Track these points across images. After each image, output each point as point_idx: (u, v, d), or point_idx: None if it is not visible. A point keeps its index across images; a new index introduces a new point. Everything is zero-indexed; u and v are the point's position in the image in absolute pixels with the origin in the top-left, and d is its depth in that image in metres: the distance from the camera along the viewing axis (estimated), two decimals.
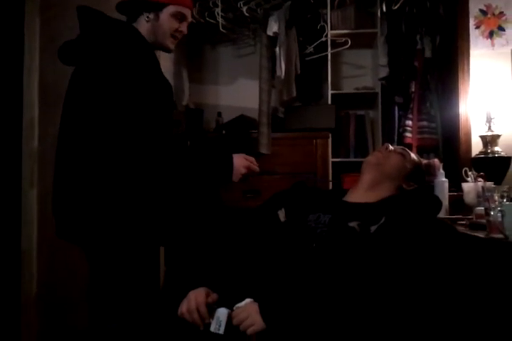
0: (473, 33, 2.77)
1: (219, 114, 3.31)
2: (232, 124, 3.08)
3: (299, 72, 3.14)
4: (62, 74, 1.98)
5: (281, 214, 1.63)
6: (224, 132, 3.01)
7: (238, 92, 3.49)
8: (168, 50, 1.82)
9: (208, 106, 3.46)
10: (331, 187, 2.67)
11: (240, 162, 1.72)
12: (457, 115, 2.80)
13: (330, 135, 2.75)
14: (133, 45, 1.64)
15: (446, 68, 2.99)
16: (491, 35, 2.75)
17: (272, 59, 3.06)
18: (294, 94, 3.13)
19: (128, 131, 1.56)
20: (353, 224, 1.47)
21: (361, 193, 1.63)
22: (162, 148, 1.59)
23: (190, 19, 1.82)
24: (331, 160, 2.76)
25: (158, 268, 1.81)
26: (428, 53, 3.05)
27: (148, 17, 1.73)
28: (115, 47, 1.62)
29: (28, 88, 2.62)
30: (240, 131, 2.97)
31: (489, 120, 2.54)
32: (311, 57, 3.16)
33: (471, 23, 2.78)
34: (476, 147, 2.65)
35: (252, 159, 1.78)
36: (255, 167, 1.77)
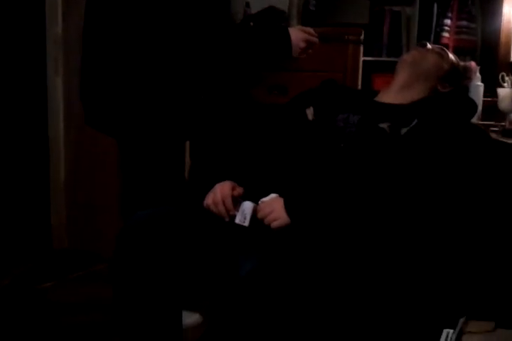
0: None
1: (247, 5, 3.15)
2: (261, 16, 2.94)
3: None
4: None
5: (310, 113, 1.60)
6: (252, 24, 2.89)
7: None
8: None
9: None
10: (360, 87, 2.60)
11: (298, 35, 1.62)
12: (499, 16, 2.64)
13: (363, 32, 2.63)
14: None
15: None
16: None
17: None
18: None
19: (162, 15, 1.49)
20: (383, 125, 1.45)
21: (394, 94, 1.59)
22: (203, 30, 1.52)
23: None
24: (362, 58, 2.66)
25: (183, 161, 1.83)
26: None
27: None
28: None
29: None
30: (269, 23, 2.85)
31: None
32: None
33: None
34: None
35: (311, 30, 1.67)
36: (314, 39, 1.67)
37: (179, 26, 1.51)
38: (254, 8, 3.06)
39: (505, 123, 1.84)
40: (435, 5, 2.94)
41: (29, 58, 2.73)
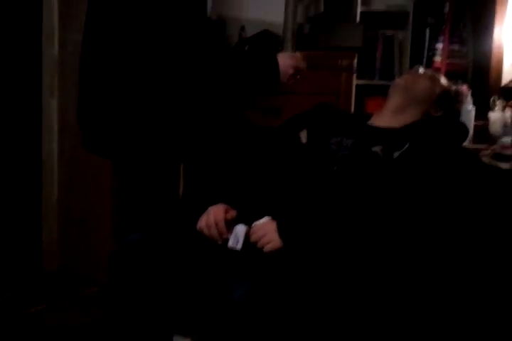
0: None
1: (242, 28, 3.19)
2: (256, 39, 2.98)
3: None
4: None
5: (303, 136, 1.62)
6: (246, 47, 2.93)
7: (263, 5, 3.34)
8: None
9: (230, 19, 3.32)
10: (353, 111, 2.63)
11: (286, 62, 1.63)
12: (490, 40, 2.67)
13: (356, 55, 2.66)
14: None
15: None
16: None
17: None
18: (322, 9, 3.00)
19: (158, 39, 1.50)
20: (376, 148, 1.46)
21: (386, 118, 1.60)
22: (196, 55, 1.53)
23: None
24: (355, 82, 2.69)
25: (178, 183, 1.83)
26: None
27: None
28: None
29: None
30: (264, 46, 2.88)
31: None
32: None
33: None
34: (507, 76, 2.56)
35: (299, 56, 1.69)
36: (302, 65, 1.68)
37: (174, 51, 1.52)
38: (250, 32, 3.10)
39: (496, 147, 1.85)
40: (427, 29, 2.97)
41: (25, 79, 2.74)
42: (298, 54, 1.69)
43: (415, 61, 2.93)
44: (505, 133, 1.90)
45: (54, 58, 2.55)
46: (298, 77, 1.69)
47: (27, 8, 2.63)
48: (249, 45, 2.91)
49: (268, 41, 2.89)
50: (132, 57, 1.55)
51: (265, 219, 1.35)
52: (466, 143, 1.87)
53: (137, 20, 1.52)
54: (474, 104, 2.10)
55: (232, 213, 1.40)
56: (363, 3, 3.04)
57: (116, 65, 1.56)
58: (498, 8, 2.64)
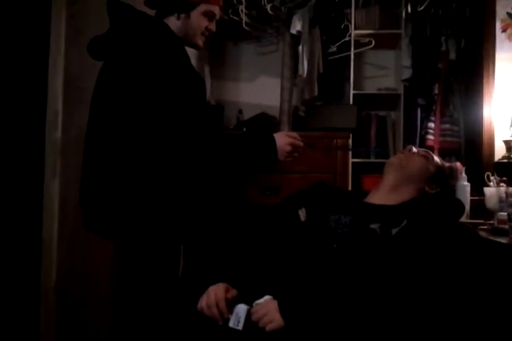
0: (500, 37, 2.74)
1: (240, 111, 3.31)
2: (253, 122, 3.08)
3: (321, 71, 3.13)
4: (87, 68, 2.00)
5: (302, 214, 1.64)
6: (244, 129, 3.02)
7: (259, 90, 3.48)
8: (197, 47, 1.83)
9: (228, 103, 3.46)
10: (350, 187, 2.67)
11: (283, 140, 1.68)
12: (481, 119, 2.77)
13: (351, 135, 2.74)
14: (164, 40, 1.64)
15: (471, 71, 2.96)
16: None
17: (295, 57, 3.05)
18: (316, 93, 3.12)
19: (159, 125, 1.56)
20: (374, 226, 1.47)
21: (383, 195, 1.63)
22: (195, 142, 1.58)
23: (218, 17, 1.82)
24: (351, 160, 2.75)
25: (178, 263, 1.83)
26: (453, 55, 3.01)
27: (179, 15, 1.72)
28: (146, 43, 1.62)
29: (53, 80, 2.64)
30: (261, 128, 2.97)
31: None
32: (334, 57, 3.15)
33: (498, 26, 2.75)
34: (500, 152, 2.64)
35: (295, 135, 1.74)
36: (299, 142, 1.73)
37: (175, 135, 1.57)
38: (247, 115, 3.21)
39: (494, 222, 1.86)
40: (418, 110, 3.08)
41: (27, 161, 2.79)
42: (294, 133, 1.75)
43: (409, 140, 3.01)
44: (501, 208, 1.92)
45: (57, 141, 2.62)
46: (296, 154, 1.74)
47: (33, 94, 2.74)
48: (246, 127, 3.01)
49: (265, 123, 2.99)
50: (134, 141, 1.60)
51: (266, 299, 1.35)
52: (463, 218, 1.89)
53: (141, 107, 1.59)
54: (469, 180, 2.14)
55: (233, 292, 1.39)
56: (355, 87, 3.17)
57: (120, 148, 1.61)
58: (486, 88, 2.76)
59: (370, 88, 3.39)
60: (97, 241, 1.80)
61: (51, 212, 2.61)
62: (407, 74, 3.11)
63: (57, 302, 2.61)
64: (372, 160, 3.16)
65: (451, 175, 1.75)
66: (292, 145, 1.71)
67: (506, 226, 1.59)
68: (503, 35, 2.74)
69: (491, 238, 1.65)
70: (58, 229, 2.61)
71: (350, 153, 2.71)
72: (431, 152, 1.73)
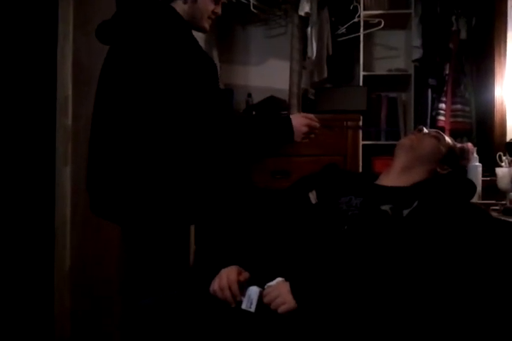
0: (511, 15, 2.70)
1: (249, 95, 3.31)
2: (262, 105, 3.07)
3: (330, 53, 3.11)
4: (96, 54, 2.00)
5: (313, 196, 1.63)
6: (254, 113, 3.01)
7: (268, 73, 3.47)
8: (204, 31, 1.82)
9: (237, 87, 3.45)
10: (361, 170, 2.66)
11: (300, 121, 1.69)
12: (492, 99, 2.75)
13: (361, 117, 2.73)
14: (172, 24, 1.64)
15: (482, 50, 2.92)
16: None
17: (304, 40, 3.03)
18: (326, 75, 3.10)
19: (172, 107, 1.56)
20: (385, 207, 1.47)
21: (394, 177, 1.62)
22: (210, 124, 1.58)
23: (225, 0, 1.81)
24: (361, 142, 2.75)
25: (188, 246, 1.84)
26: (463, 35, 2.97)
27: None
28: (154, 27, 1.61)
29: (62, 67, 2.64)
30: (270, 112, 2.96)
31: None
32: (343, 38, 3.12)
33: (509, 4, 2.70)
34: (511, 131, 2.61)
35: (312, 116, 1.74)
36: (316, 123, 1.73)
37: (184, 115, 1.58)
38: (256, 98, 3.20)
39: (506, 202, 1.86)
40: (429, 91, 3.05)
41: (39, 148, 2.81)
42: (311, 114, 1.74)
43: (419, 121, 2.99)
44: None
45: (67, 128, 2.63)
46: (312, 136, 1.74)
47: (42, 81, 2.75)
48: (256, 110, 3.00)
49: (274, 106, 2.98)
50: (143, 124, 1.60)
51: (278, 281, 1.35)
52: (475, 199, 1.89)
53: (151, 91, 1.59)
54: (480, 160, 2.13)
55: (245, 275, 1.40)
56: (365, 69, 3.15)
57: (127, 131, 1.62)
58: (497, 68, 2.73)
59: (380, 69, 3.36)
60: (108, 223, 1.81)
61: (63, 198, 2.63)
62: (417, 54, 3.08)
63: (72, 285, 2.65)
64: (383, 142, 3.15)
65: (463, 155, 1.73)
66: (309, 126, 1.71)
67: None
68: None
69: (502, 218, 1.64)
70: (71, 215, 2.64)
71: (360, 134, 2.70)
72: (442, 133, 1.72)
